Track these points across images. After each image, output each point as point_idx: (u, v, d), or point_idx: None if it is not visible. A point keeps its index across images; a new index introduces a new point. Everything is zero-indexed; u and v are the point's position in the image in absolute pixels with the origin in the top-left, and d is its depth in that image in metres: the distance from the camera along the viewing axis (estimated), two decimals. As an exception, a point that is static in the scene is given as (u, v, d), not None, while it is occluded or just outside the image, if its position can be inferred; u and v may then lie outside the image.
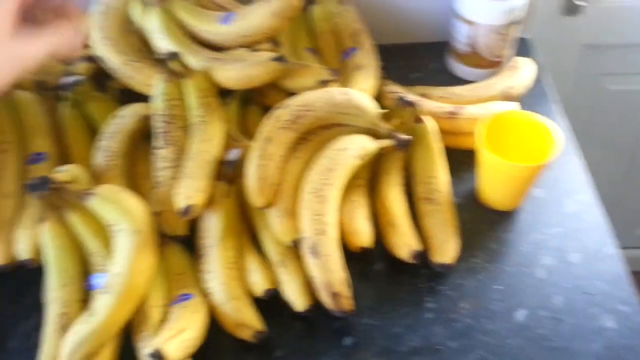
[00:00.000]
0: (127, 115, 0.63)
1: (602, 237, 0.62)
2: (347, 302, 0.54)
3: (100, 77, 0.69)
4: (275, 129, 0.58)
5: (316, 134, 0.62)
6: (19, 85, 0.66)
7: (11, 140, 0.63)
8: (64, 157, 0.65)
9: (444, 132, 0.67)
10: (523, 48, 0.83)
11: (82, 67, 0.68)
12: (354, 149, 0.59)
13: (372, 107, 0.61)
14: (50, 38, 0.45)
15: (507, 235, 0.63)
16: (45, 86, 0.69)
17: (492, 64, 0.77)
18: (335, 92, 0.60)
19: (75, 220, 0.54)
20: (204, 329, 0.53)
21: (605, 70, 1.05)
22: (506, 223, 0.64)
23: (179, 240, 0.59)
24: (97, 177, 0.61)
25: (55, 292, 0.53)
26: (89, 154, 0.64)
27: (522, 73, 0.75)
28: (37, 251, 0.58)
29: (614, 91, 1.07)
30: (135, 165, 0.64)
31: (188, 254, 0.59)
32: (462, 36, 0.75)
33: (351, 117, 0.61)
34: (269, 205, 0.57)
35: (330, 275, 0.54)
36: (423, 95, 0.72)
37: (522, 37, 0.85)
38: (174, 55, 0.59)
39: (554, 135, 0.59)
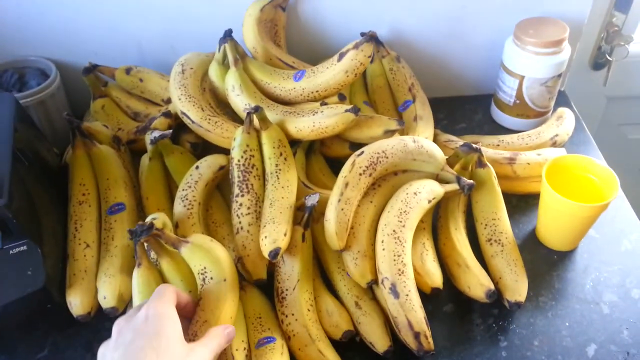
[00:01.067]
0: (205, 166, 0.67)
1: (661, 274, 0.65)
2: (428, 341, 0.56)
3: (175, 132, 0.73)
4: (354, 174, 0.62)
5: (386, 180, 0.66)
6: (97, 139, 0.70)
7: (91, 192, 0.67)
8: (141, 208, 0.68)
9: (501, 177, 0.71)
10: (561, 99, 0.89)
11: (159, 122, 0.72)
12: (425, 192, 0.63)
13: (440, 154, 0.66)
14: (211, 342, 0.47)
15: (569, 274, 0.66)
16: (119, 141, 0.74)
17: (537, 114, 0.82)
18: (408, 140, 0.65)
19: (167, 266, 0.57)
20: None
21: (625, 120, 1.11)
22: (567, 263, 0.67)
23: (256, 285, 0.62)
24: (179, 225, 0.64)
25: None
26: (164, 204, 0.68)
27: (566, 122, 0.80)
28: (120, 299, 0.61)
29: (632, 140, 1.12)
30: (210, 213, 0.68)
31: (266, 297, 0.62)
32: (509, 88, 0.81)
33: (421, 163, 0.65)
34: (347, 248, 0.60)
35: (412, 315, 0.56)
36: (476, 143, 0.77)
37: (560, 90, 0.91)
38: (257, 109, 0.64)
39: (612, 177, 0.63)
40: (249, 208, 0.63)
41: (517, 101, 0.81)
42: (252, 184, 0.65)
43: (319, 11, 0.81)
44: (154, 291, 0.52)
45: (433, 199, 0.63)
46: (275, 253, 0.57)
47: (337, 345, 0.59)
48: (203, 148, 0.74)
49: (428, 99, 0.83)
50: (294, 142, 0.71)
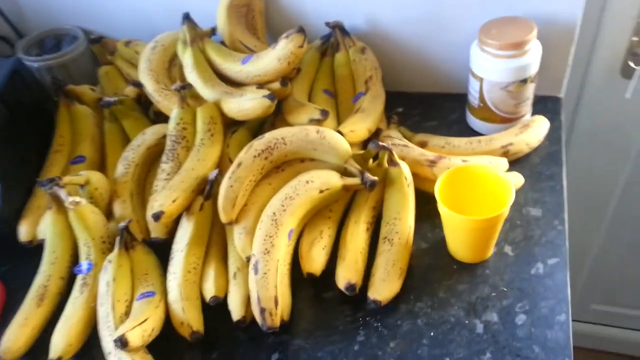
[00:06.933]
0: (150, 133, 0.76)
1: (557, 306, 0.60)
2: (271, 319, 0.59)
3: (146, 101, 0.83)
4: (248, 156, 0.66)
5: (292, 166, 0.68)
6: (81, 100, 0.82)
7: (66, 143, 0.80)
8: (101, 163, 0.79)
9: (426, 180, 0.70)
10: (553, 107, 0.82)
11: (129, 89, 0.83)
12: (318, 182, 0.65)
13: (344, 147, 0.67)
14: None
15: (459, 286, 0.64)
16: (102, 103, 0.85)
17: (504, 120, 0.77)
18: (311, 130, 0.67)
19: (72, 214, 0.67)
20: (162, 322, 0.62)
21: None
22: (464, 275, 0.65)
23: (163, 245, 0.69)
24: (114, 182, 0.73)
25: (44, 266, 0.66)
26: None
27: (530, 132, 0.75)
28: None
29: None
30: (150, 176, 0.76)
31: (155, 256, 0.68)
32: (474, 90, 0.77)
33: (323, 154, 0.67)
34: (231, 222, 0.65)
35: (263, 292, 0.60)
36: (422, 142, 0.76)
37: (556, 96, 0.84)
38: (185, 87, 0.71)
39: (508, 189, 0.59)
40: (168, 174, 0.70)
41: (481, 104, 0.77)
42: (178, 154, 0.72)
43: (297, -2, 0.84)
44: (58, 231, 0.63)
45: (326, 189, 0.65)
46: (157, 215, 0.64)
47: (209, 309, 0.63)
48: (166, 119, 0.81)
49: (407, 93, 0.82)
50: (240, 122, 0.76)
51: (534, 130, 0.75)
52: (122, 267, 0.65)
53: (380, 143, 0.67)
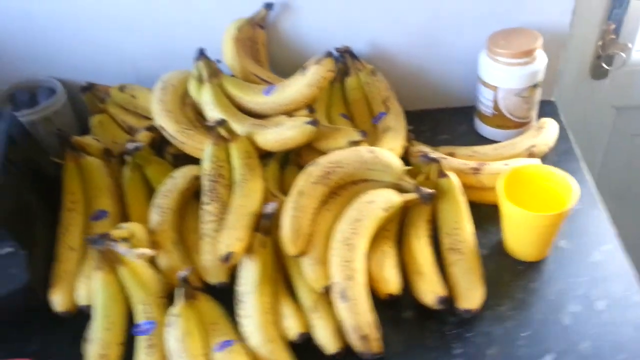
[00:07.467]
0: (179, 176, 0.71)
1: (628, 286, 0.63)
2: (375, 344, 0.57)
3: (159, 144, 0.78)
4: (307, 183, 0.64)
5: (346, 189, 0.67)
6: (88, 152, 0.76)
7: (79, 200, 0.72)
8: (124, 215, 0.73)
9: (470, 188, 0.71)
10: (548, 110, 0.88)
11: (143, 135, 0.77)
12: (380, 201, 0.64)
13: (397, 164, 0.67)
14: None
15: (533, 284, 0.65)
16: (111, 153, 0.79)
17: (517, 125, 0.82)
18: (363, 150, 0.66)
19: (124, 272, 0.61)
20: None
21: (637, 131, 1.08)
22: (532, 273, 0.66)
23: (217, 290, 0.64)
24: (152, 232, 0.68)
25: (98, 334, 0.59)
26: (145, 211, 0.72)
27: (546, 133, 0.79)
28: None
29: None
30: (186, 220, 0.71)
31: (220, 303, 0.63)
32: (486, 100, 0.81)
33: (378, 173, 0.66)
34: (302, 254, 0.62)
35: (359, 318, 0.57)
36: (450, 154, 0.77)
37: (549, 100, 0.90)
38: (221, 122, 0.67)
39: (571, 186, 0.62)
40: (215, 215, 0.66)
41: (495, 112, 0.81)
42: (219, 193, 0.68)
43: (299, 27, 0.84)
44: (113, 295, 0.56)
45: (389, 207, 0.64)
46: (227, 257, 0.60)
47: (295, 347, 0.60)
48: (185, 160, 0.78)
49: (413, 112, 0.84)
50: (269, 154, 0.74)
51: (548, 131, 0.80)
52: (190, 319, 0.59)
53: (430, 155, 0.68)
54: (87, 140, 0.77)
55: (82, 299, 0.64)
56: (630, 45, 0.95)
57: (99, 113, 0.86)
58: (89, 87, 0.86)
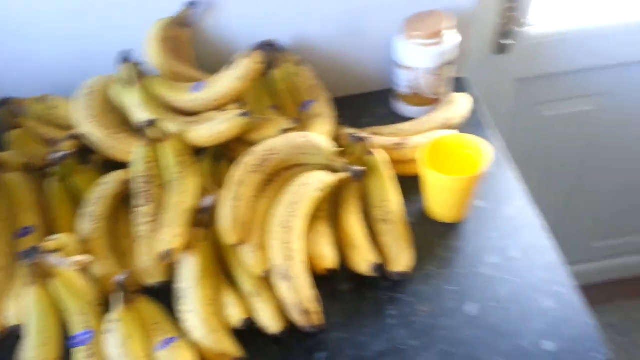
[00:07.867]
0: (109, 182, 0.73)
1: (537, 233, 0.72)
2: (316, 317, 0.62)
3: (84, 152, 0.78)
4: (245, 172, 0.68)
5: (280, 175, 0.72)
6: (7, 168, 0.75)
7: (2, 219, 0.71)
8: (51, 229, 0.72)
9: (395, 162, 0.77)
10: (460, 85, 0.96)
11: (67, 144, 0.76)
12: (314, 183, 0.69)
13: (328, 146, 0.72)
14: None
15: (455, 243, 0.72)
16: (32, 167, 0.78)
17: (432, 102, 0.89)
18: (295, 136, 0.71)
19: (58, 284, 0.62)
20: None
21: (538, 100, 1.18)
22: (454, 233, 0.73)
23: (155, 291, 0.66)
24: (84, 241, 0.68)
25: (32, 352, 0.59)
26: (74, 223, 0.71)
27: (458, 106, 0.87)
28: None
29: (549, 117, 1.20)
30: (117, 226, 0.72)
31: (160, 304, 0.65)
32: (403, 80, 0.87)
33: (310, 156, 0.71)
34: (242, 242, 0.66)
35: (300, 295, 0.62)
36: (374, 133, 0.83)
37: (459, 77, 0.98)
38: (152, 123, 0.70)
39: (484, 150, 0.70)
40: (151, 216, 0.68)
41: (412, 91, 0.87)
42: (153, 194, 0.70)
43: (223, 24, 0.86)
44: (45, 309, 0.58)
45: (323, 187, 0.69)
46: (167, 254, 0.63)
47: (239, 334, 0.63)
48: (112, 166, 0.77)
49: (336, 98, 0.89)
50: (200, 151, 0.77)
51: (460, 105, 0.87)
52: (130, 323, 0.61)
53: (356, 135, 0.73)
54: (6, 156, 0.77)
55: (11, 320, 0.64)
56: (525, 20, 1.05)
57: (15, 128, 0.84)
58: (4, 102, 0.84)
